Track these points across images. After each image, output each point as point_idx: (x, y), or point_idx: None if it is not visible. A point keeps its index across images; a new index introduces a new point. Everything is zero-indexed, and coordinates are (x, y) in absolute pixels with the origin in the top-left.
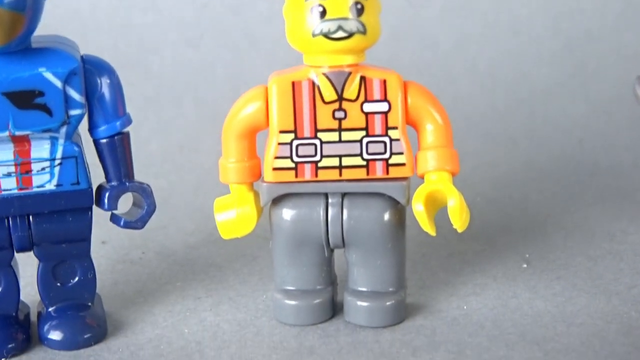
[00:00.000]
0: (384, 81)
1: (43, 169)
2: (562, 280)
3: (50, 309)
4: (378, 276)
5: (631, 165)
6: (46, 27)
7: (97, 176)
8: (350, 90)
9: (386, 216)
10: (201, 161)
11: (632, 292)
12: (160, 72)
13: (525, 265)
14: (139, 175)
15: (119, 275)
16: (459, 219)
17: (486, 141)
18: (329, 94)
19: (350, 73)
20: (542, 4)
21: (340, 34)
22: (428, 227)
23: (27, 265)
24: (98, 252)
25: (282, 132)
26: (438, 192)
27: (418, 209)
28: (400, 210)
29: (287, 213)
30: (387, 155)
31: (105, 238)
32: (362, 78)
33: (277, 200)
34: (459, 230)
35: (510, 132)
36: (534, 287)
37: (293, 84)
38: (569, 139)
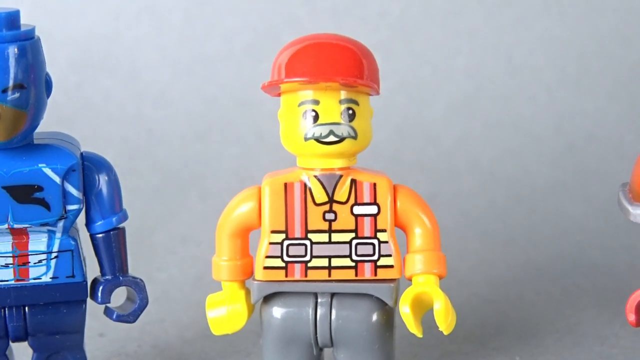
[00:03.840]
0: (374, 185)
1: (40, 261)
2: None
3: None
4: None
5: (628, 267)
6: (59, 116)
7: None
8: (341, 193)
9: (374, 317)
10: (203, 254)
11: None
12: (168, 163)
13: None
14: (142, 267)
15: None
16: (444, 321)
17: (485, 239)
18: (320, 196)
19: (341, 176)
20: (544, 104)
21: (332, 138)
22: (414, 329)
23: (24, 356)
24: (95, 344)
25: (273, 232)
26: (425, 294)
27: (404, 310)
28: (388, 312)
29: (276, 311)
30: (375, 257)
31: (103, 330)
32: (353, 181)
33: (268, 298)
34: (445, 333)
35: (509, 230)
36: None
37: (285, 185)
38: (568, 239)
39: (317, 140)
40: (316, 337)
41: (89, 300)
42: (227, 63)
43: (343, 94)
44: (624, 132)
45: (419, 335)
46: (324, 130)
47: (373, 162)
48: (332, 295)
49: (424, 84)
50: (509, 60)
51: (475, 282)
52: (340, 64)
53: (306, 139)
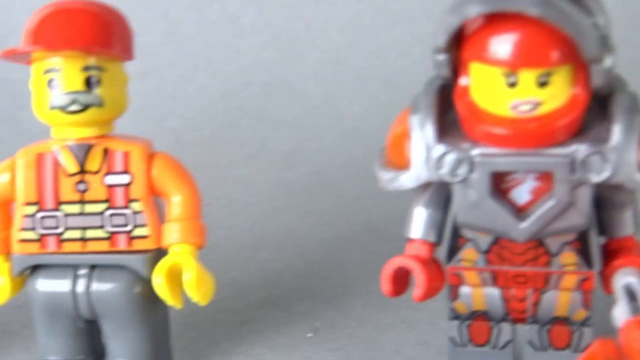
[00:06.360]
0: (127, 153)
1: None
2: (340, 351)
3: None
4: (131, 348)
5: None
6: None
7: None
8: (92, 163)
9: (135, 289)
10: None
11: None
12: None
13: (310, 335)
14: None
15: None
16: (195, 292)
17: (319, 202)
18: (71, 166)
19: (92, 145)
20: (417, 57)
21: (75, 107)
22: (170, 299)
23: None
24: None
25: (26, 204)
26: (178, 265)
27: (157, 281)
28: (150, 283)
29: (38, 284)
30: (129, 228)
31: None
32: (105, 150)
33: (33, 271)
34: (201, 304)
35: (351, 192)
36: (307, 359)
37: (37, 156)
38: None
39: (62, 109)
40: (78, 310)
41: None
42: None
43: (89, 62)
44: None
45: (178, 306)
46: (66, 100)
47: (237, 120)
48: (94, 267)
49: (296, 39)
50: (385, 12)
51: (303, 245)
52: (79, 30)
53: (51, 108)
